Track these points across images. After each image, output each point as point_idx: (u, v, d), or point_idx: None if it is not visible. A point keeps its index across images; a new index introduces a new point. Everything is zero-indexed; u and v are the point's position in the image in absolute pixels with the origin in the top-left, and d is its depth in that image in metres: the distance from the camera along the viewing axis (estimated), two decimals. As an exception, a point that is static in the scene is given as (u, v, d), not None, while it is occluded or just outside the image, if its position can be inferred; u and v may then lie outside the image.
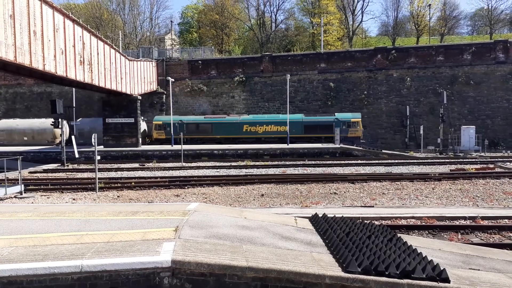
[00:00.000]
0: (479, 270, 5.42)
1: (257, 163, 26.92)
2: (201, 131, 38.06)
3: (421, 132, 33.92)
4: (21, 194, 15.37)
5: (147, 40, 60.51)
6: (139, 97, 36.19)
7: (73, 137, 26.60)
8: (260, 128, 37.73)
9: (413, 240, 6.91)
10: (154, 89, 43.15)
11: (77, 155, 25.71)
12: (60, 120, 25.96)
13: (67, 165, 26.58)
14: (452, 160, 27.68)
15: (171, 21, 66.90)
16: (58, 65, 21.35)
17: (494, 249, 7.11)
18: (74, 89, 37.68)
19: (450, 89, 40.42)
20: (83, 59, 24.62)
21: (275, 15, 63.15)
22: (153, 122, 39.51)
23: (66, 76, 22.46)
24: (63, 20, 22.01)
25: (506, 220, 10.48)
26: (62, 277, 4.53)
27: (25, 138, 38.41)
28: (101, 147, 32.56)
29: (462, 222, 10.38)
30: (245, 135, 37.43)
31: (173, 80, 40.70)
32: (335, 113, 38.60)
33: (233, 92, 44.49)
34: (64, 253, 4.92)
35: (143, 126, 40.15)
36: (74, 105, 38.39)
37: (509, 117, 40.46)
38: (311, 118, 37.76)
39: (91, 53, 25.82)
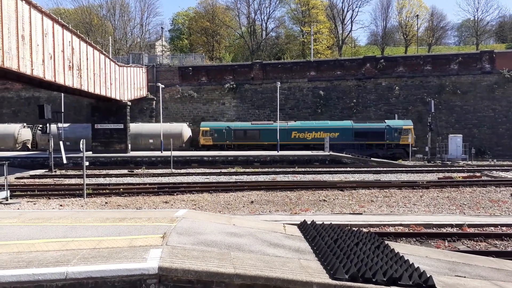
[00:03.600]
0: (465, 277, 5.47)
1: (247, 170, 26.91)
2: (249, 137, 37.66)
3: (410, 140, 34.28)
4: (7, 200, 15.10)
5: (137, 46, 60.36)
6: (129, 103, 36.01)
7: (61, 142, 26.32)
8: (309, 135, 37.53)
9: (400, 247, 6.95)
10: (144, 95, 42.98)
11: (65, 161, 25.42)
12: (48, 125, 25.67)
13: (55, 171, 26.25)
14: (439, 168, 28.00)
15: (162, 28, 67.04)
16: (47, 70, 21.16)
17: (480, 256, 7.18)
18: (62, 94, 37.34)
19: (437, 98, 41.02)
20: (72, 64, 24.45)
21: (266, 23, 63.69)
22: (200, 128, 39.27)
23: (55, 81, 22.26)
24: (52, 24, 21.87)
25: (492, 228, 10.61)
26: (46, 284, 4.45)
27: None
28: (89, 153, 32.25)
29: (449, 229, 10.49)
30: (294, 141, 37.10)
31: (163, 86, 40.63)
32: (385, 120, 38.37)
33: (223, 99, 44.53)
34: (49, 260, 4.85)
35: (187, 131, 40.28)
36: (62, 111, 37.98)
37: (495, 126, 41.17)
38: (362, 125, 37.46)
39: (80, 58, 25.66)
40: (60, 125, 33.61)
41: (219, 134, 37.94)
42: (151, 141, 38.71)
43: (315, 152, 33.90)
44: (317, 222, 7.70)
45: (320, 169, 27.35)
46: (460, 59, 42.21)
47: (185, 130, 39.92)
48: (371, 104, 42.85)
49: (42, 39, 20.69)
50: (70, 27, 24.45)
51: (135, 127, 39.18)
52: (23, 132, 39.19)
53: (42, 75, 20.71)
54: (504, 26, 69.06)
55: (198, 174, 24.85)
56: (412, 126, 37.29)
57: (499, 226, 10.67)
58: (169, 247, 5.36)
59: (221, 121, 41.57)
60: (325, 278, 4.78)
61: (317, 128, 37.65)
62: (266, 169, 27.44)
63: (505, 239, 9.64)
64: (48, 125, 25.70)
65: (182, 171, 26.90)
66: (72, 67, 24.44)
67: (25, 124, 40.27)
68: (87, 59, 26.90)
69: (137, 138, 38.16)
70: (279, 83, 39.42)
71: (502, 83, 41.14)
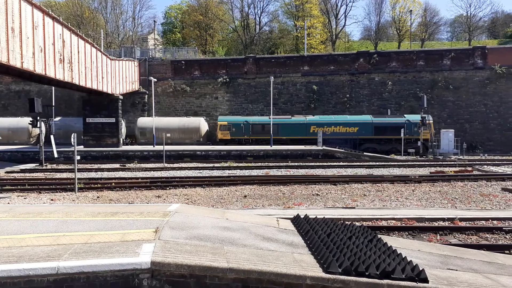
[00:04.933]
0: (456, 270, 5.51)
1: (240, 164, 26.87)
2: (267, 132, 37.13)
3: (402, 135, 34.44)
4: (-3, 195, 14.94)
5: (129, 39, 59.81)
6: (121, 97, 35.72)
7: (52, 136, 26.02)
8: (328, 129, 37.20)
9: (393, 241, 6.98)
10: (136, 89, 42.64)
11: (56, 155, 25.17)
12: (38, 119, 25.38)
13: (46, 165, 26.01)
14: (432, 163, 28.20)
15: (154, 21, 66.42)
16: (37, 63, 20.88)
17: (472, 249, 7.24)
18: (53, 87, 36.97)
19: (430, 93, 41.22)
20: (63, 57, 24.15)
21: (259, 17, 63.41)
22: (218, 122, 38.90)
23: (45, 74, 21.97)
24: (42, 17, 21.54)
25: (483, 221, 10.71)
26: (37, 279, 4.40)
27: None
28: (81, 147, 31.99)
29: (441, 223, 10.57)
30: (313, 136, 36.67)
31: (155, 80, 40.33)
32: (405, 115, 38.21)
33: (216, 93, 44.34)
34: (40, 255, 4.79)
35: (205, 126, 39.93)
36: (53, 104, 37.58)
37: (486, 121, 41.52)
38: (381, 120, 37.18)
39: (71, 52, 25.35)
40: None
41: (237, 129, 37.69)
42: (168, 135, 38.48)
43: (308, 147, 33.94)
44: (310, 216, 7.70)
45: (313, 164, 27.41)
46: (452, 55, 42.41)
47: (203, 124, 39.69)
48: (364, 99, 42.96)
49: (33, 32, 20.38)
50: (61, 20, 24.11)
51: (151, 120, 38.98)
52: None
53: (32, 68, 20.43)
54: (496, 22, 69.49)
55: (191, 168, 24.77)
56: (432, 121, 37.26)
57: (490, 220, 10.77)
58: (161, 242, 5.32)
59: (240, 115, 40.94)
60: (318, 272, 4.78)
61: (336, 123, 37.43)
62: (260, 164, 27.43)
63: (496, 232, 9.74)
64: (38, 118, 25.40)
65: (175, 165, 26.80)
66: (63, 60, 24.14)
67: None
68: (78, 52, 26.58)
69: (153, 132, 38.08)
70: (272, 77, 39.31)
71: (494, 78, 41.45)
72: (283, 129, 37.51)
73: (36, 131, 37.80)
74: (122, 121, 39.61)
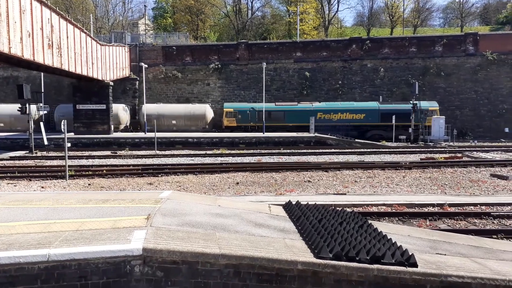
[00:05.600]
0: (445, 255, 5.60)
1: (233, 152, 26.87)
2: (273, 118, 37.14)
3: (393, 121, 34.61)
4: (-14, 182, 14.79)
5: (119, 24, 58.82)
6: (111, 83, 35.31)
7: (41, 123, 25.74)
8: (335, 116, 37.20)
9: (383, 226, 7.06)
10: (127, 75, 42.15)
11: (46, 142, 24.94)
12: (27, 105, 25.03)
13: (36, 153, 25.76)
14: (422, 149, 28.46)
15: (145, 6, 65.58)
16: (25, 48, 20.49)
17: (460, 234, 7.36)
18: (42, 73, 36.41)
19: (422, 80, 41.35)
20: (52, 42, 23.71)
21: (252, 2, 63.11)
22: (224, 109, 38.62)
23: (34, 60, 21.59)
24: (30, 1, 21.06)
25: (472, 207, 10.87)
26: (28, 267, 4.38)
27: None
28: (71, 134, 31.70)
29: (431, 209, 10.70)
30: (319, 123, 36.61)
31: (146, 66, 39.88)
32: (411, 101, 37.90)
33: (208, 80, 44.01)
34: (31, 242, 4.76)
35: (210, 113, 39.55)
36: (42, 91, 37.06)
37: (477, 108, 41.86)
38: (388, 106, 37.13)
39: (60, 37, 24.89)
40: (40, 105, 32.97)
41: (243, 116, 37.52)
42: (174, 122, 38.32)
43: (300, 134, 34.00)
44: (302, 203, 7.74)
45: (305, 151, 27.50)
46: (444, 41, 42.44)
47: (208, 111, 39.47)
48: (356, 86, 42.97)
49: (20, 16, 19.94)
50: (49, 4, 23.60)
51: (156, 107, 38.81)
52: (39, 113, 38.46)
53: (20, 53, 20.05)
54: (489, 8, 69.54)
55: (183, 155, 24.71)
56: (438, 108, 37.52)
57: (479, 205, 10.93)
58: (153, 228, 5.32)
59: (245, 102, 40.70)
60: (309, 257, 4.82)
61: (342, 109, 37.42)
62: (252, 151, 27.44)
63: (484, 217, 9.90)
64: (27, 105, 25.05)
65: (167, 152, 26.72)
66: (52, 46, 23.72)
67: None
68: (67, 37, 26.12)
69: (159, 119, 37.82)
70: (264, 63, 39.08)
71: (485, 65, 41.65)
72: (289, 116, 37.45)
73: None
74: (127, 107, 39.43)
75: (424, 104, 37.31)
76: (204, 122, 38.86)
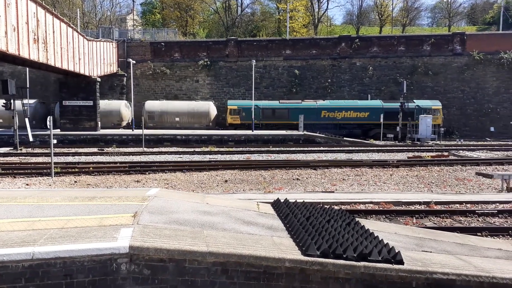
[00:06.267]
0: (431, 252, 5.66)
1: (222, 149, 26.80)
2: (277, 116, 36.99)
3: (381, 120, 34.89)
4: (-31, 179, 14.51)
5: (107, 20, 58.13)
6: (98, 79, 34.90)
7: (26, 119, 25.34)
8: (339, 114, 37.23)
9: (370, 224, 7.11)
10: (114, 71, 41.68)
11: (31, 139, 24.56)
12: (12, 101, 24.61)
13: (21, 149, 25.34)
14: (409, 148, 28.76)
15: (133, 1, 65.11)
16: (10, 42, 20.11)
17: (446, 232, 7.46)
18: (27, 69, 35.78)
19: (410, 79, 41.73)
20: (37, 37, 23.31)
21: (241, -1, 62.47)
22: (228, 106, 38.28)
23: (19, 54, 21.21)
24: (15, -6, 20.68)
25: (457, 205, 11.02)
26: (11, 265, 4.31)
27: None
28: (57, 131, 31.27)
29: (417, 207, 10.82)
30: (323, 121, 36.79)
31: (134, 62, 39.49)
32: (414, 100, 38.37)
33: (197, 76, 43.75)
34: (15, 240, 4.68)
35: (214, 110, 39.18)
36: (28, 86, 36.45)
37: (463, 107, 42.42)
38: (392, 105, 37.16)
39: (46, 31, 24.49)
40: (25, 101, 32.39)
41: (247, 113, 37.21)
42: (177, 119, 38.04)
43: (289, 132, 34.07)
44: (290, 200, 7.76)
45: (294, 149, 27.57)
46: (432, 41, 42.86)
47: (212, 109, 39.21)
48: (345, 84, 43.17)
49: (5, 10, 19.56)
50: (35, -2, 23.21)
51: (160, 104, 38.63)
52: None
53: (5, 48, 19.68)
54: (476, 8, 70.43)
55: (171, 153, 24.57)
56: (441, 107, 37.90)
57: (464, 203, 11.09)
58: (140, 226, 5.27)
59: (248, 100, 40.19)
60: (297, 255, 4.83)
61: (347, 108, 37.51)
62: (241, 148, 27.41)
63: (469, 215, 10.05)
64: (12, 101, 24.62)
65: (155, 149, 26.53)
66: (38, 40, 23.32)
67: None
68: (53, 32, 25.71)
69: (162, 116, 37.61)
70: (254, 61, 38.97)
71: (472, 65, 42.20)
72: (293, 114, 37.32)
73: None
74: (128, 104, 39.07)
75: (427, 103, 37.93)
76: (207, 120, 38.72)
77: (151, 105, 38.66)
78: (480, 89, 42.35)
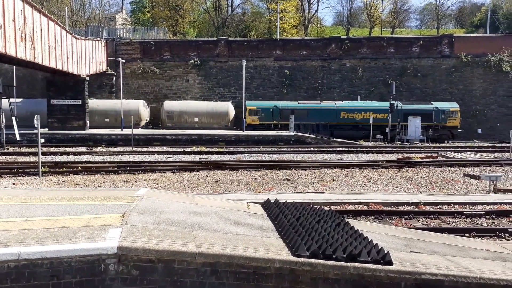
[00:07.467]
0: (419, 253, 5.70)
1: (212, 149, 26.72)
2: (296, 117, 36.47)
3: (371, 121, 35.13)
4: (-46, 178, 14.23)
5: (96, 18, 57.54)
6: (87, 78, 34.55)
7: (13, 118, 24.95)
8: (358, 115, 37.07)
9: (360, 225, 7.14)
10: (104, 70, 41.29)
11: (18, 138, 24.20)
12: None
13: (7, 148, 24.95)
14: (399, 149, 29.01)
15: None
16: (-3, 40, 19.80)
17: (434, 233, 7.51)
18: (14, 67, 35.27)
19: (399, 80, 42.08)
20: (25, 35, 22.98)
21: (232, -1, 62.35)
22: (247, 107, 37.83)
23: (5, 52, 20.88)
24: (2, -9, 20.36)
25: (446, 206, 11.13)
26: (-4, 266, 4.23)
27: None
28: (45, 130, 30.86)
29: (406, 208, 10.90)
30: (342, 121, 36.63)
31: (123, 61, 39.20)
32: (432, 102, 38.39)
33: (187, 76, 43.57)
34: (0, 240, 4.59)
35: (232, 110, 38.99)
36: (15, 84, 35.91)
37: (451, 109, 42.87)
38: (410, 106, 37.20)
39: (33, 29, 24.15)
40: (12, 99, 31.93)
41: (266, 114, 37.18)
42: (196, 119, 37.90)
43: (280, 132, 34.12)
44: (280, 201, 7.75)
45: (284, 149, 27.60)
46: (421, 42, 43.30)
47: (231, 109, 39.12)
48: (335, 85, 43.38)
49: (-9, 7, 19.25)
50: (22, -5, 22.87)
51: (179, 104, 38.62)
52: None
53: (-9, 45, 19.37)
54: (464, 11, 71.44)
55: (161, 153, 24.42)
56: (459, 108, 38.04)
57: (452, 204, 11.21)
58: (129, 227, 5.21)
59: (267, 100, 40.27)
60: (287, 255, 4.82)
61: (366, 109, 37.42)
62: (231, 149, 27.37)
63: (457, 216, 10.15)
64: (-1, 99, 24.24)
65: (144, 149, 26.35)
66: (25, 38, 22.99)
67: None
68: (41, 30, 25.37)
69: (181, 116, 37.51)
70: (244, 61, 38.96)
71: (460, 67, 42.72)
72: (312, 115, 37.22)
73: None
74: (147, 104, 38.93)
75: (445, 105, 38.09)
76: (226, 120, 38.69)
77: (170, 105, 38.52)
78: (467, 91, 42.89)
